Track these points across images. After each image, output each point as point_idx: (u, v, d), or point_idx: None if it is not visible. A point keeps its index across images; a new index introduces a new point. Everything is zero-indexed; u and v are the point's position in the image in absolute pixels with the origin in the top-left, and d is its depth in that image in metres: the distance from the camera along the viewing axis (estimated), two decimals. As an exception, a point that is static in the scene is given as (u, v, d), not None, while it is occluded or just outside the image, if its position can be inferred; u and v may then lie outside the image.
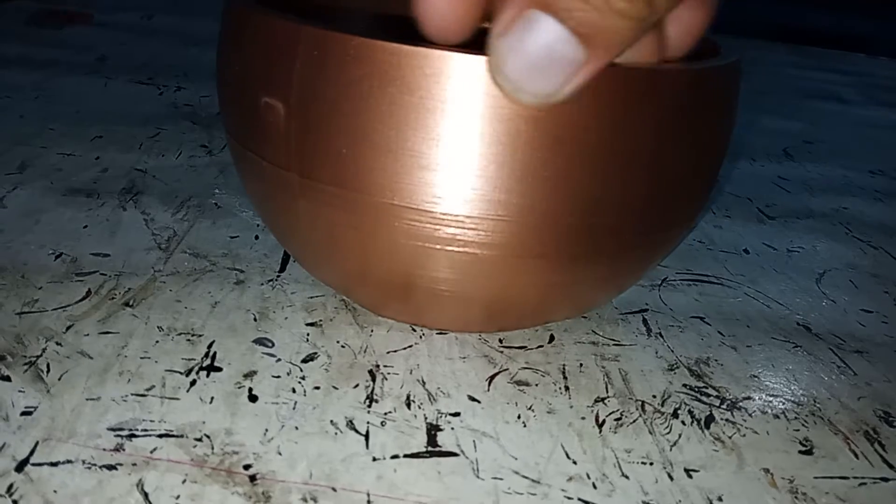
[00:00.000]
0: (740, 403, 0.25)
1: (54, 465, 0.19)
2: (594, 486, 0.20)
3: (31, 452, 0.19)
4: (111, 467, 0.19)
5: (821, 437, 0.24)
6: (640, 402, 0.24)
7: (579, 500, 0.20)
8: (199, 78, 0.53)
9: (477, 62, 0.18)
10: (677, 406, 0.24)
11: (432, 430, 0.22)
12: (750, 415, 0.24)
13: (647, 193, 0.21)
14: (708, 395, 0.25)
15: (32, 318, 0.24)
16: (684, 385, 0.25)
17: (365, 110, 0.19)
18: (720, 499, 0.20)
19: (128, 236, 0.30)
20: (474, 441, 0.21)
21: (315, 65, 0.19)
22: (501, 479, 0.20)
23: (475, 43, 0.20)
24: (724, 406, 0.24)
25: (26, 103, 0.44)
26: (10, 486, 0.18)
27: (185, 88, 0.51)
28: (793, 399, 0.25)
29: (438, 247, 0.21)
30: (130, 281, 0.27)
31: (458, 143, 0.19)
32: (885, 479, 0.22)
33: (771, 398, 0.25)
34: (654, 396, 0.24)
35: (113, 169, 0.37)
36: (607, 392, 0.24)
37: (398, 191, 0.20)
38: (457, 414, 0.22)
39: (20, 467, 0.18)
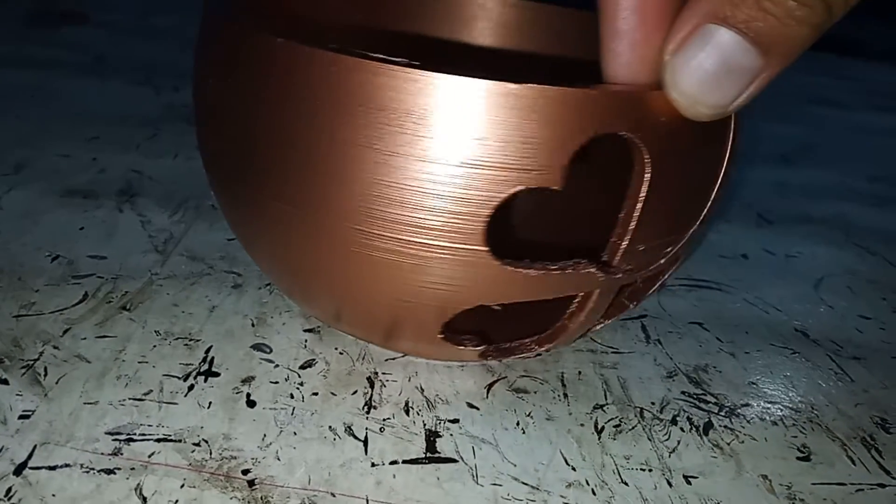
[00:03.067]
0: (739, 410, 0.25)
1: (52, 468, 0.19)
2: (593, 493, 0.20)
3: (30, 456, 0.19)
4: (109, 471, 0.19)
5: (818, 443, 0.24)
6: (638, 409, 0.24)
7: (578, 507, 0.20)
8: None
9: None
10: (676, 413, 0.24)
11: (431, 437, 0.22)
12: (748, 421, 0.24)
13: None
14: (706, 402, 0.25)
15: (29, 322, 0.24)
16: (683, 392, 0.25)
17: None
18: (719, 506, 0.20)
19: (125, 239, 0.30)
20: (473, 447, 0.21)
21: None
22: (500, 485, 0.20)
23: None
24: (722, 413, 0.24)
25: (23, 103, 0.44)
26: (9, 490, 0.18)
27: (183, 89, 0.51)
28: (791, 406, 0.25)
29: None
30: (127, 284, 0.27)
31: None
32: (882, 486, 0.22)
33: (769, 405, 0.25)
34: (653, 403, 0.24)
35: (110, 170, 0.36)
36: (606, 399, 0.24)
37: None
38: (455, 420, 0.22)
39: (18, 471, 0.18)
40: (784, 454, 0.23)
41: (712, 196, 0.22)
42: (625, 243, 0.19)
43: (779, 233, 0.41)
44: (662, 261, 0.21)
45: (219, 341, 0.25)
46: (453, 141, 0.17)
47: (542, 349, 0.23)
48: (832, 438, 0.24)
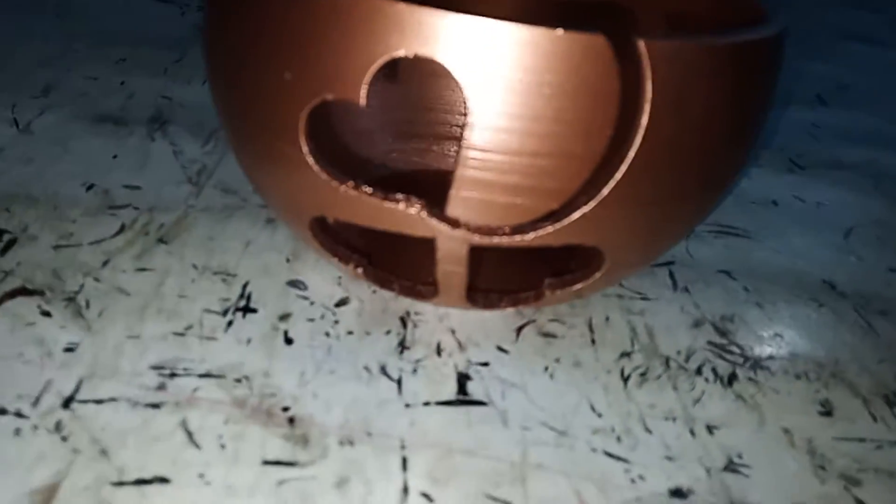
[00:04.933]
0: (763, 362, 0.25)
1: (99, 402, 0.19)
2: (619, 440, 0.21)
3: (77, 389, 0.20)
4: (155, 406, 0.20)
5: (841, 398, 0.24)
6: (664, 358, 0.24)
7: (604, 452, 0.20)
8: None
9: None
10: (701, 363, 0.24)
11: (462, 379, 0.22)
12: (772, 374, 0.25)
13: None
14: (731, 353, 0.25)
15: (69, 253, 0.25)
16: (709, 342, 0.26)
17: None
18: (740, 456, 0.21)
19: (158, 168, 0.30)
20: (503, 391, 0.22)
21: None
22: (529, 429, 0.21)
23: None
24: (747, 365, 0.25)
25: (48, 22, 0.43)
26: (59, 423, 0.19)
27: (207, 8, 0.49)
28: (815, 360, 0.26)
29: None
30: (163, 216, 0.27)
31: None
32: (901, 443, 0.23)
33: (793, 358, 0.25)
34: (679, 353, 0.25)
35: (139, 95, 0.36)
36: (633, 347, 0.25)
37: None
38: (486, 363, 0.23)
39: (66, 403, 0.19)
40: (806, 408, 0.23)
41: (605, 182, 0.18)
42: (456, 191, 0.18)
43: (810, 178, 0.40)
44: (532, 234, 0.19)
45: (255, 277, 0.25)
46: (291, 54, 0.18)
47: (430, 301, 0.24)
48: (855, 395, 0.24)
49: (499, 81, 0.17)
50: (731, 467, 0.21)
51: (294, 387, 0.21)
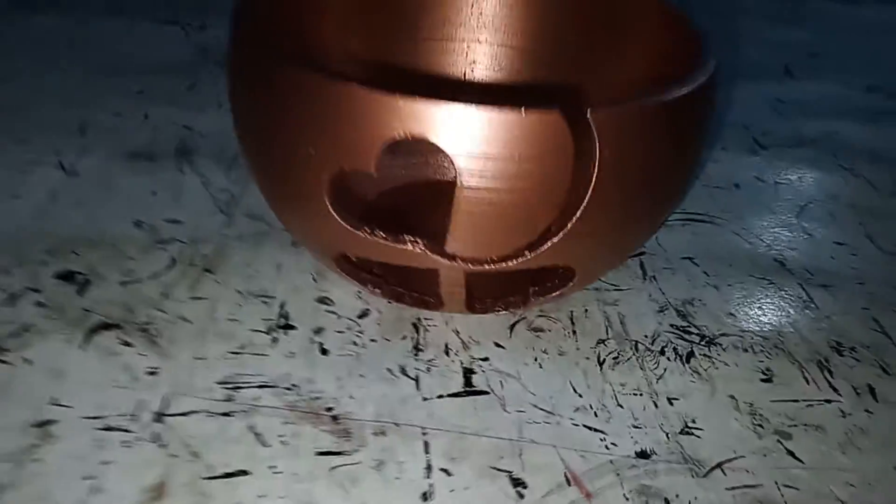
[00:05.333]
0: (717, 340, 0.30)
1: (184, 415, 0.24)
2: (595, 415, 0.26)
3: (164, 406, 0.25)
4: (226, 414, 0.25)
5: (780, 366, 0.29)
6: (633, 343, 0.29)
7: (584, 426, 0.26)
8: (220, 13, 0.55)
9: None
10: (664, 344, 0.29)
11: (467, 373, 0.27)
12: (724, 349, 0.30)
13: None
14: (690, 334, 0.30)
15: (134, 288, 0.29)
16: (671, 325, 0.31)
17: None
18: (693, 421, 0.26)
19: (192, 201, 0.35)
20: (501, 381, 0.27)
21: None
22: (524, 411, 0.26)
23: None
24: (703, 343, 0.30)
25: (63, 53, 0.47)
26: (156, 434, 0.24)
27: (209, 28, 0.53)
28: (761, 334, 0.31)
29: None
30: (204, 246, 0.32)
31: None
32: (829, 401, 0.28)
33: (742, 334, 0.30)
34: (646, 336, 0.30)
35: (162, 128, 0.40)
36: (607, 334, 0.30)
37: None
38: (486, 359, 0.28)
39: (158, 418, 0.24)
40: (750, 377, 0.28)
41: (568, 219, 0.23)
42: (451, 233, 0.23)
43: (771, 158, 0.44)
44: (514, 262, 0.24)
45: (289, 296, 0.30)
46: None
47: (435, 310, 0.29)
48: (792, 362, 0.29)
49: (479, 153, 0.21)
50: (685, 431, 0.26)
51: (333, 390, 0.26)
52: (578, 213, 0.22)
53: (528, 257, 0.23)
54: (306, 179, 0.23)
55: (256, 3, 0.28)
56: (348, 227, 0.24)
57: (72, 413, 0.24)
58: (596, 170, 0.22)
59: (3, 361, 0.26)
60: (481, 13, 0.36)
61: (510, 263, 0.24)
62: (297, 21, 0.31)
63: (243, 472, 0.23)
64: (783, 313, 0.32)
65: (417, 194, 0.35)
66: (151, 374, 0.26)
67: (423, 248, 0.24)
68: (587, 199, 0.22)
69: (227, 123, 0.41)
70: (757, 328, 0.31)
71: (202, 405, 0.25)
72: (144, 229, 0.33)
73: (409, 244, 0.24)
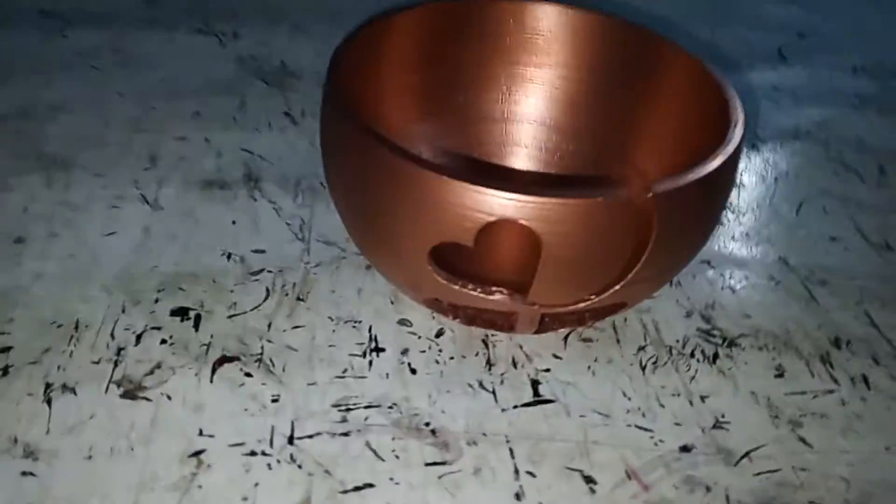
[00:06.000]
0: (736, 340, 0.36)
1: (310, 437, 0.30)
2: (643, 416, 0.32)
3: (293, 429, 0.30)
4: (345, 434, 0.30)
5: (789, 362, 0.35)
6: (668, 347, 0.35)
7: (636, 426, 0.31)
8: (248, 16, 0.57)
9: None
10: (693, 348, 0.35)
11: (535, 384, 0.33)
12: (742, 349, 0.35)
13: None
14: (714, 336, 0.36)
15: (240, 321, 0.34)
16: (698, 329, 0.36)
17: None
18: (723, 416, 0.32)
19: (270, 229, 0.39)
20: (563, 389, 0.33)
21: None
22: (585, 416, 0.31)
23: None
24: (725, 344, 0.35)
25: (114, 72, 0.50)
26: (292, 455, 0.29)
27: (241, 35, 0.55)
28: (772, 333, 0.36)
29: None
30: (291, 275, 0.36)
31: None
32: (830, 391, 0.34)
33: (757, 333, 0.36)
34: (678, 341, 0.35)
35: (226, 153, 0.44)
36: (646, 341, 0.35)
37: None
38: (548, 370, 0.33)
39: (290, 441, 0.29)
40: (765, 373, 0.34)
41: (627, 274, 0.28)
42: (534, 288, 0.28)
43: (770, 153, 0.49)
44: (583, 304, 0.29)
45: (374, 320, 0.35)
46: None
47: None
48: (799, 357, 0.35)
49: (561, 231, 0.26)
50: (717, 425, 0.32)
51: (427, 406, 0.31)
52: (635, 271, 0.27)
53: (594, 300, 0.29)
54: (407, 246, 0.28)
55: (343, 81, 0.31)
56: (448, 283, 0.28)
57: (217, 442, 0.29)
58: (652, 243, 0.27)
59: (147, 398, 0.30)
60: (526, 96, 0.40)
61: (579, 306, 0.29)
62: (375, 103, 0.35)
63: (370, 485, 0.28)
64: (789, 311, 0.37)
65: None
66: (275, 401, 0.31)
67: (510, 297, 0.28)
68: (643, 260, 0.27)
69: (283, 145, 0.45)
70: (769, 327, 0.36)
71: (324, 427, 0.30)
72: (235, 261, 0.37)
73: (497, 294, 0.28)
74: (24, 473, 0.27)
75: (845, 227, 0.44)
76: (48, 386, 0.30)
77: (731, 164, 0.29)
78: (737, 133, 0.29)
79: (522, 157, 0.41)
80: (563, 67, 0.39)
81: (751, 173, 0.47)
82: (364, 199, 0.29)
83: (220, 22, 0.57)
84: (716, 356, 0.35)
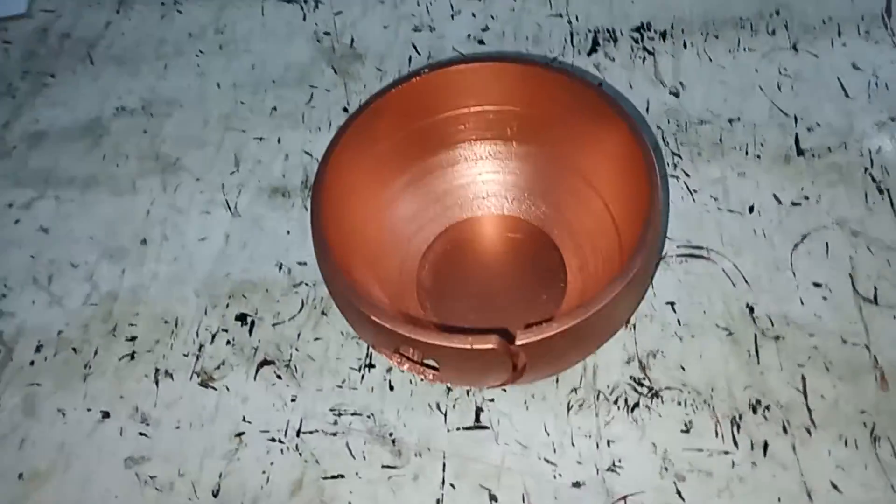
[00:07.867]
0: (661, 392, 0.42)
1: (310, 433, 0.43)
2: (554, 451, 0.41)
3: (300, 425, 0.43)
4: (333, 434, 0.43)
5: (701, 420, 0.41)
6: (598, 392, 0.42)
7: (545, 459, 0.41)
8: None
9: None
10: (619, 395, 0.42)
11: (479, 412, 0.43)
12: (662, 402, 0.42)
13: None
14: (642, 386, 0.42)
15: (280, 329, 0.47)
16: (631, 377, 0.43)
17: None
18: (620, 460, 0.40)
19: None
20: (499, 419, 0.42)
21: None
22: (508, 444, 0.42)
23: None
24: (648, 395, 0.42)
25: (214, 60, 0.59)
26: (297, 445, 0.43)
27: (322, 3, 0.61)
28: (697, 388, 0.42)
29: None
30: (321, 289, 0.48)
31: None
32: (726, 452, 0.40)
33: (683, 387, 0.42)
34: (608, 387, 0.43)
35: (291, 155, 0.54)
36: (580, 383, 0.43)
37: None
38: (493, 400, 0.43)
39: (298, 434, 0.43)
40: (673, 427, 0.41)
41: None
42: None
43: (798, 171, 0.48)
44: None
45: (373, 338, 0.46)
46: None
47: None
48: (712, 417, 0.41)
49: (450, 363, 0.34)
50: (611, 468, 0.40)
51: (394, 419, 0.43)
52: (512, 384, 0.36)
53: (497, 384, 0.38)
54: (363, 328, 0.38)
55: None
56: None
57: (253, 427, 0.44)
58: (518, 371, 0.34)
59: (214, 388, 0.45)
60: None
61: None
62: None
63: (341, 476, 0.42)
64: (725, 367, 0.42)
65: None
66: (293, 401, 0.44)
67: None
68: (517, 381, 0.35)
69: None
70: (697, 382, 0.42)
71: (320, 426, 0.43)
72: (284, 272, 0.49)
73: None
74: (140, 434, 0.44)
75: (837, 272, 0.45)
76: (157, 371, 0.46)
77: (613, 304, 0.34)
78: (616, 285, 0.34)
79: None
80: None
81: (766, 195, 0.48)
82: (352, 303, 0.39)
83: (306, -9, 0.62)
84: (636, 405, 0.42)
